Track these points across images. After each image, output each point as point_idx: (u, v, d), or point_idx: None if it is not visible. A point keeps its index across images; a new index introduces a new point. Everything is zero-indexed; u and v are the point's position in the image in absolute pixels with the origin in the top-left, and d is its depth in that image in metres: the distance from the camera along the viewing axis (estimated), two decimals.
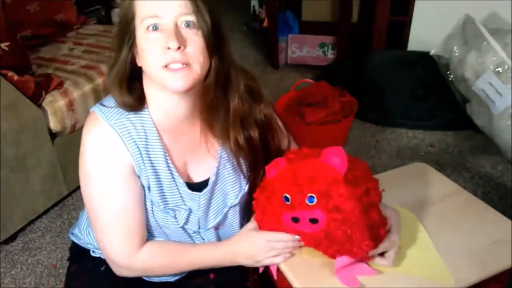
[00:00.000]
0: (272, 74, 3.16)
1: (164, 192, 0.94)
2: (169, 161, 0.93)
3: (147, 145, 0.91)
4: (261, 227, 0.96)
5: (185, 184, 0.96)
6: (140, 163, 0.90)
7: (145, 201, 0.94)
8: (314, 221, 0.86)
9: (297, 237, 0.92)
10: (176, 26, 0.83)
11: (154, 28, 0.83)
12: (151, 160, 0.91)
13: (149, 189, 0.93)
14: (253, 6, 3.87)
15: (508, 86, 2.07)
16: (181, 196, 0.96)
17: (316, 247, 0.92)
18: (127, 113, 0.90)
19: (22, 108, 1.71)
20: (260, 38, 3.60)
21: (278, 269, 0.99)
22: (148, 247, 0.95)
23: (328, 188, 0.85)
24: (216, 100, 0.92)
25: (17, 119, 1.70)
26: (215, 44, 0.87)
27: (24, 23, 2.26)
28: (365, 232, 0.85)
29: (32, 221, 1.90)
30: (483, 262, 0.95)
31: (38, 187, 1.85)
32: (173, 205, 0.96)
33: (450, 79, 2.41)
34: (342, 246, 0.87)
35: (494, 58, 2.12)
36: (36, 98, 1.77)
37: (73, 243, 1.11)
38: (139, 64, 0.88)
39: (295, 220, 0.88)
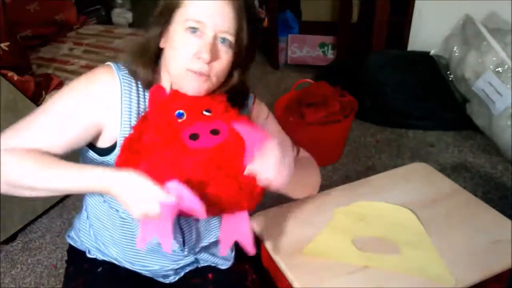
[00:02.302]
0: (272, 74, 3.16)
1: None
2: None
3: (140, 111, 0.90)
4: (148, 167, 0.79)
5: None
6: (126, 120, 0.88)
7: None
8: (215, 132, 0.82)
9: (172, 199, 0.75)
10: (215, 39, 0.85)
11: (193, 31, 0.84)
12: None
13: None
14: None
15: (508, 86, 2.07)
16: None
17: (212, 171, 0.80)
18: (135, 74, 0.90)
19: (22, 108, 1.71)
20: (260, 38, 3.60)
21: (278, 269, 0.99)
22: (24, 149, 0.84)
23: (222, 101, 0.87)
24: None
25: (17, 119, 1.69)
26: (242, 63, 0.91)
27: (24, 23, 2.26)
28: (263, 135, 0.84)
29: (32, 221, 1.89)
30: (483, 262, 0.95)
31: None
32: None
33: (450, 79, 2.41)
34: (244, 154, 0.82)
35: (494, 58, 2.12)
36: (36, 98, 1.77)
37: (70, 245, 1.11)
38: (162, 46, 0.89)
39: (194, 137, 0.81)
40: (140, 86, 0.91)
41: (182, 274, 1.05)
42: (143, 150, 0.81)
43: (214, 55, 0.84)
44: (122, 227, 0.97)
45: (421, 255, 0.97)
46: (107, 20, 3.40)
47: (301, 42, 3.14)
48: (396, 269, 0.94)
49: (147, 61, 0.89)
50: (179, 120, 0.82)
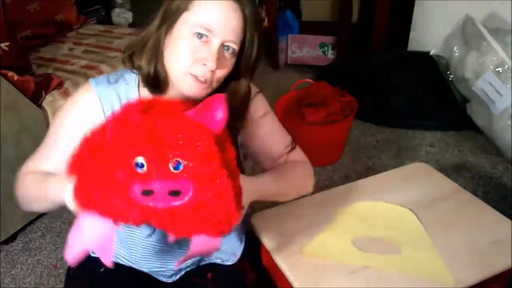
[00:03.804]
0: (272, 74, 3.16)
1: None
2: None
3: None
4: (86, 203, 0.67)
5: None
6: None
7: None
8: (175, 193, 0.65)
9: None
10: (221, 47, 0.85)
11: (200, 36, 0.84)
12: None
13: None
14: None
15: (508, 86, 2.07)
16: None
17: (162, 226, 0.68)
18: (116, 84, 0.93)
19: (22, 108, 1.71)
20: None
21: (278, 269, 0.99)
22: None
23: (203, 150, 0.67)
24: None
25: (17, 119, 1.70)
26: (245, 72, 0.92)
27: (24, 23, 2.26)
28: (236, 203, 0.68)
29: (32, 221, 1.90)
30: (483, 262, 0.95)
31: None
32: None
33: (450, 79, 2.41)
34: (206, 223, 0.67)
35: (494, 58, 2.12)
36: (36, 98, 1.77)
37: None
38: (165, 46, 0.88)
39: (148, 193, 0.65)
40: (122, 94, 0.92)
41: (183, 272, 1.05)
42: (90, 179, 0.67)
43: (219, 64, 0.84)
44: (127, 231, 0.98)
45: (421, 255, 0.97)
46: (107, 20, 3.40)
47: (301, 42, 3.14)
48: (396, 269, 0.94)
49: (153, 57, 0.89)
50: (139, 170, 0.64)
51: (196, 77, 0.85)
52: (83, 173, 0.67)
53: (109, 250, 0.68)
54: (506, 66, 2.09)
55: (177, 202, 0.65)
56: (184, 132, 0.67)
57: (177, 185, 0.65)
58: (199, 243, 0.69)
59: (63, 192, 0.76)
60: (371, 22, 2.81)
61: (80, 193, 0.67)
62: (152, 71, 0.89)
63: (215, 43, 0.84)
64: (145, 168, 0.64)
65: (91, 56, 2.19)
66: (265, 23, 3.26)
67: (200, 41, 0.84)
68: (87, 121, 0.87)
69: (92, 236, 0.69)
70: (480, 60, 2.17)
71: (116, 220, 0.67)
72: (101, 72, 2.05)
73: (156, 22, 0.89)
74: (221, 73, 0.87)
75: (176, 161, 0.65)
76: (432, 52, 2.48)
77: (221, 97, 0.70)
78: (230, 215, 0.68)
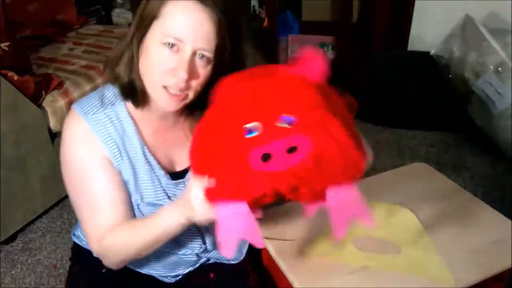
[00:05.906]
0: None
1: (141, 186, 0.92)
2: (147, 154, 0.91)
3: (124, 139, 0.90)
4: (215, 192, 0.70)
5: (166, 175, 0.93)
6: (118, 157, 0.89)
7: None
8: (292, 150, 0.65)
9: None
10: (193, 56, 0.81)
11: (170, 46, 0.81)
12: (128, 154, 0.90)
13: (128, 183, 0.91)
14: (253, 6, 3.87)
15: (508, 86, 2.07)
16: (163, 189, 0.93)
17: (292, 191, 0.69)
18: (104, 107, 0.90)
19: (22, 108, 1.71)
20: (260, 38, 3.59)
21: (278, 269, 0.99)
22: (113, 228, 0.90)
23: (309, 102, 0.68)
24: None
25: (17, 119, 1.70)
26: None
27: (24, 23, 2.27)
28: (356, 147, 0.69)
29: (32, 221, 1.89)
30: (483, 262, 0.95)
31: (38, 187, 1.85)
32: (154, 199, 0.93)
33: (450, 79, 2.41)
34: (333, 174, 0.69)
35: (494, 58, 2.12)
36: (36, 98, 1.77)
37: (75, 243, 1.11)
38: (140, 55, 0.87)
39: (266, 157, 0.65)
40: (113, 116, 0.90)
41: (185, 272, 1.05)
42: (210, 162, 0.70)
43: (192, 73, 0.81)
44: None
45: (421, 255, 0.97)
46: (107, 20, 3.40)
47: (301, 42, 3.14)
48: (396, 269, 0.94)
49: (128, 68, 0.88)
50: (250, 135, 0.66)
51: (167, 89, 0.82)
52: (206, 164, 0.69)
53: (255, 232, 0.70)
54: (506, 66, 2.08)
55: (297, 159, 0.65)
56: (287, 88, 0.68)
57: (293, 140, 0.65)
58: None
59: (181, 212, 0.78)
60: (371, 22, 2.80)
61: (209, 188, 0.69)
62: (127, 82, 0.87)
63: (186, 52, 0.80)
64: (258, 131, 0.65)
65: (91, 56, 2.20)
66: (265, 23, 3.26)
67: (170, 51, 0.80)
68: (93, 152, 0.88)
69: (235, 227, 0.70)
70: (480, 60, 2.17)
71: (248, 199, 0.68)
72: (101, 72, 2.05)
73: (131, 31, 0.87)
74: (196, 83, 0.83)
75: (286, 117, 0.65)
76: (432, 52, 2.47)
77: (317, 51, 0.71)
78: (354, 160, 0.68)
